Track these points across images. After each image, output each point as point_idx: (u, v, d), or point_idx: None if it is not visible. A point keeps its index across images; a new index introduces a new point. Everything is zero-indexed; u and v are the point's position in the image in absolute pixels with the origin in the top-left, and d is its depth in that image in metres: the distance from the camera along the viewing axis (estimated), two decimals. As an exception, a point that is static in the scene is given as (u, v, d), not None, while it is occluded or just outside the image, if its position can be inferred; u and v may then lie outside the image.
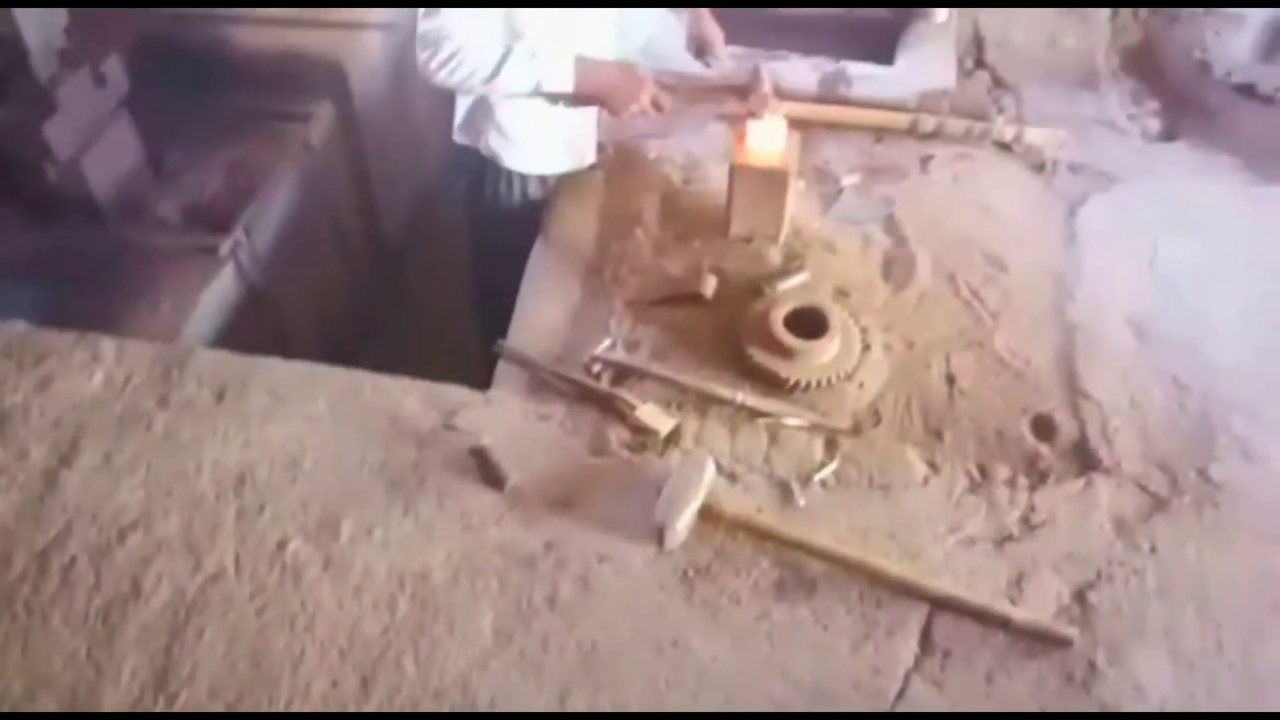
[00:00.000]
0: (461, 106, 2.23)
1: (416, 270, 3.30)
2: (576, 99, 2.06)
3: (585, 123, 2.26)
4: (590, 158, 2.31)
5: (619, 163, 2.35)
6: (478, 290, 2.51)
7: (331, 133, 2.85)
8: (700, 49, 2.29)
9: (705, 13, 2.32)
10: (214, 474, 1.70)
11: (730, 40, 2.50)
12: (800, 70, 2.50)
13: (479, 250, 2.44)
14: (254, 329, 2.46)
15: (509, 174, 2.26)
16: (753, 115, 2.06)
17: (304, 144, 2.71)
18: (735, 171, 2.01)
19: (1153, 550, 1.59)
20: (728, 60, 2.32)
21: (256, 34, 2.84)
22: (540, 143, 2.22)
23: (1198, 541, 1.60)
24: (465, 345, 2.34)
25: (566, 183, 2.30)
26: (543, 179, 2.28)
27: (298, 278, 2.67)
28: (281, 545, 1.61)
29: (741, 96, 2.19)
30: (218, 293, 2.36)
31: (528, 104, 2.10)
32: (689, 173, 2.32)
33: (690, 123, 2.45)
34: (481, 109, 2.19)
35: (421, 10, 1.93)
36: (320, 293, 2.83)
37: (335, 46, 2.84)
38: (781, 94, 2.40)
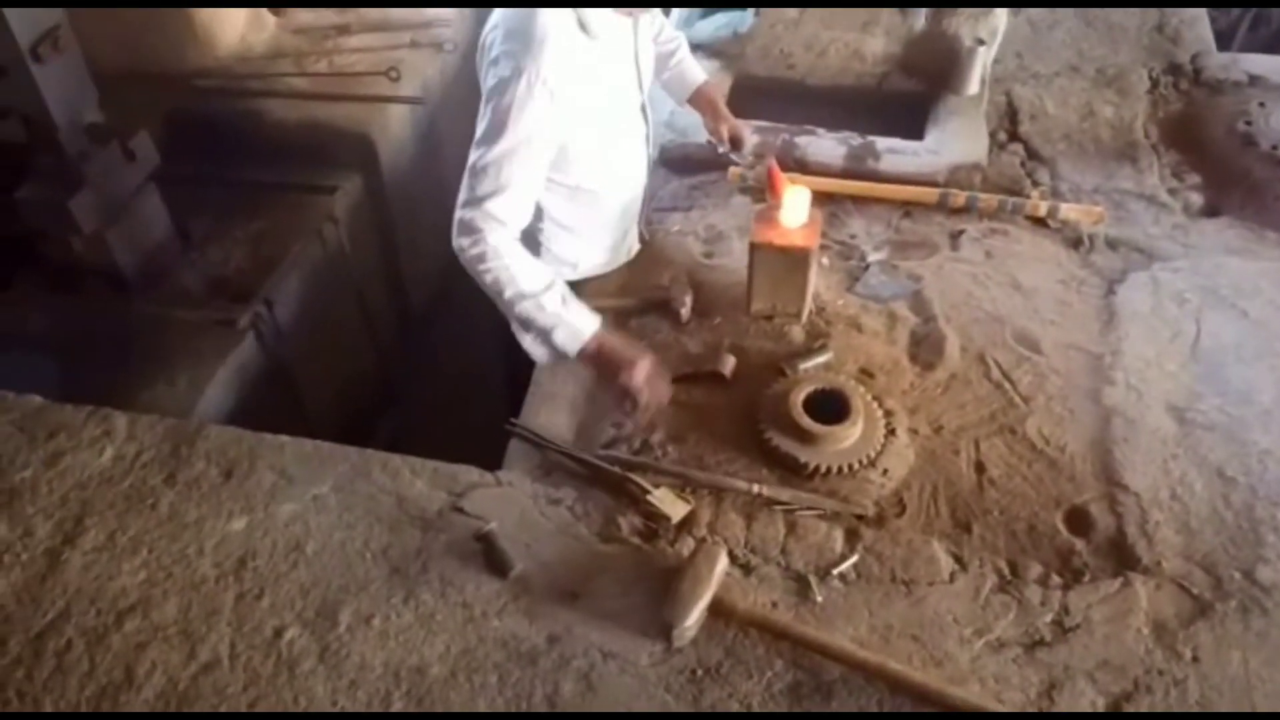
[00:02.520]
0: None
1: (442, 340, 3.33)
2: (582, 359, 1.89)
3: (631, 223, 2.19)
4: (634, 249, 2.26)
5: (641, 240, 2.35)
6: (502, 362, 2.48)
7: (358, 204, 2.89)
8: (729, 141, 2.26)
9: (725, 111, 2.28)
10: (216, 556, 1.68)
11: (756, 114, 2.53)
12: (827, 145, 2.51)
13: (503, 321, 2.41)
14: (273, 401, 2.47)
15: None
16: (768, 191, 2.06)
17: (329, 216, 2.74)
18: (756, 249, 1.99)
19: (1195, 659, 1.51)
20: (749, 155, 2.31)
21: (285, 107, 2.90)
22: (585, 258, 2.15)
23: (1243, 650, 1.51)
24: (488, 418, 2.29)
25: None
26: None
27: (319, 349, 2.69)
28: (278, 633, 1.58)
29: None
30: (236, 365, 2.37)
31: (572, 218, 2.04)
32: (711, 246, 2.32)
33: (713, 194, 2.45)
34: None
35: (468, 169, 1.76)
36: (342, 364, 2.85)
37: (363, 119, 2.89)
38: (807, 169, 2.45)
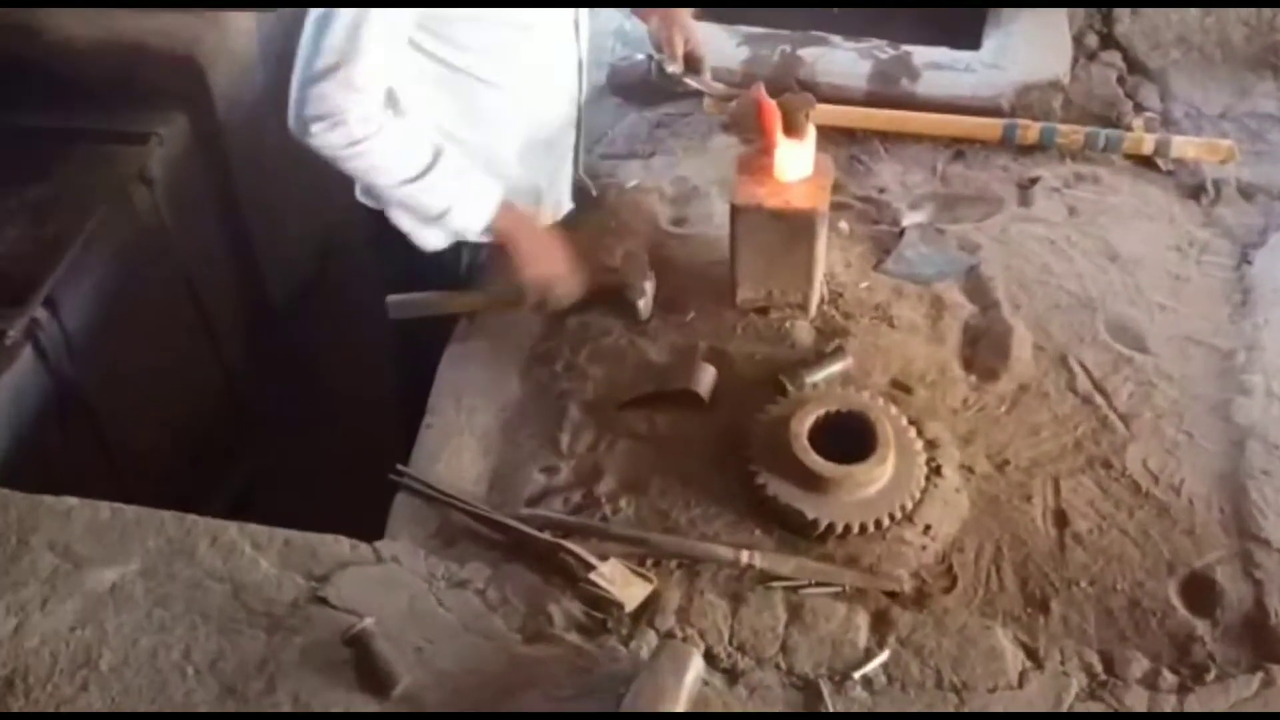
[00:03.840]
0: None
1: (314, 348, 3.31)
2: (496, 235, 2.09)
3: (561, 164, 2.24)
4: (564, 207, 2.29)
5: (581, 194, 2.36)
6: (395, 381, 2.52)
7: (184, 158, 2.85)
8: (681, 58, 2.25)
9: (682, 14, 2.29)
10: (-34, 678, 1.66)
11: (750, 20, 2.55)
12: (844, 59, 2.51)
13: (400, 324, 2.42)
14: (62, 446, 2.43)
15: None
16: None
17: (140, 175, 2.71)
18: (740, 213, 1.99)
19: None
20: (713, 81, 2.32)
21: (74, 21, 2.84)
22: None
23: None
24: (373, 459, 2.30)
25: None
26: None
27: (131, 368, 2.66)
28: (58, 790, 1.55)
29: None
30: (6, 394, 2.33)
31: (467, 129, 2.09)
32: (682, 209, 2.31)
33: (685, 133, 2.46)
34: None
35: (307, 31, 1.88)
36: (167, 388, 2.81)
37: (188, 35, 2.85)
38: (817, 95, 2.41)
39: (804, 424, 1.82)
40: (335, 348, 3.20)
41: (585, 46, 2.17)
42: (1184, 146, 2.35)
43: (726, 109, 2.35)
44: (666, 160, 2.41)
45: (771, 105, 2.07)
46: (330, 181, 2.21)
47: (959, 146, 2.38)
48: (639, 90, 2.54)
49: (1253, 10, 2.66)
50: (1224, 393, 1.97)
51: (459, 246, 2.22)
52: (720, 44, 2.61)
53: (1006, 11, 2.61)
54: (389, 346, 2.51)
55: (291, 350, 3.30)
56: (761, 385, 1.96)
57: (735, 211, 1.99)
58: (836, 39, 2.55)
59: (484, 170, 2.08)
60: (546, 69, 2.10)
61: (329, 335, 3.28)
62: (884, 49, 2.52)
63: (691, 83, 2.27)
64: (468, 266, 2.26)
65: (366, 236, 2.31)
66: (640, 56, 2.56)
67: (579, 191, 2.33)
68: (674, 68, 2.23)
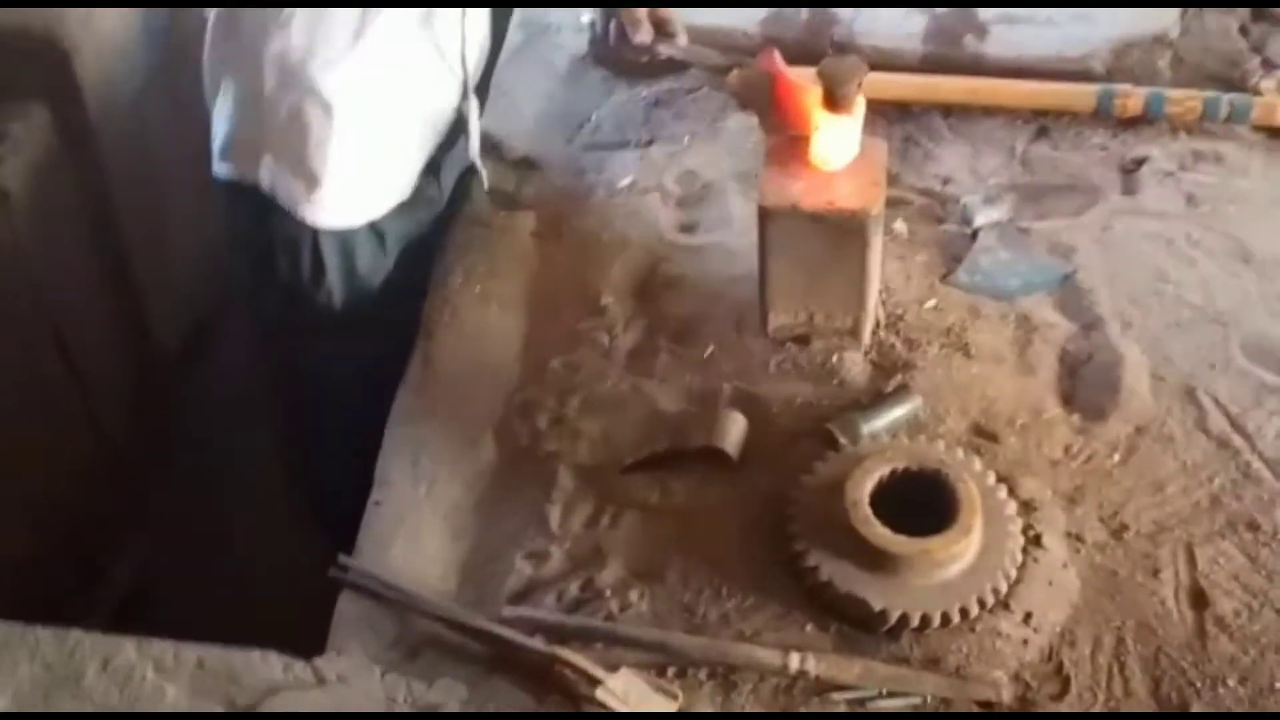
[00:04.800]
0: (227, 104, 2.25)
1: (216, 406, 3.30)
2: None
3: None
4: (404, 182, 2.33)
5: (560, 198, 2.38)
6: (300, 455, 2.57)
7: (45, 167, 2.84)
8: (646, 24, 2.27)
9: None
10: None
11: None
12: (891, 15, 2.53)
13: (287, 383, 2.54)
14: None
15: (317, 236, 2.28)
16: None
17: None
18: (771, 218, 1.99)
19: None
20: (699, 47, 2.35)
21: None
22: (381, 149, 2.26)
23: None
24: (304, 544, 2.35)
25: (458, 244, 2.33)
26: (379, 235, 2.34)
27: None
28: None
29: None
30: None
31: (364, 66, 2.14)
32: (690, 213, 2.34)
33: (690, 113, 2.47)
34: (278, 90, 2.18)
35: None
36: (29, 465, 2.79)
37: (47, 12, 2.84)
38: (861, 56, 2.44)
39: (864, 487, 1.81)
40: (243, 404, 3.17)
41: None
42: (1333, 111, 2.36)
43: (729, 82, 2.30)
44: (669, 150, 2.43)
45: (792, 81, 2.06)
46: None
47: (1042, 121, 2.39)
48: (626, 61, 2.51)
49: None
50: (1404, 433, 1.97)
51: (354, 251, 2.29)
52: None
53: None
54: (308, 396, 2.53)
55: (188, 410, 3.28)
56: (806, 438, 1.95)
57: (765, 215, 1.98)
58: None
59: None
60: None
61: (235, 389, 3.24)
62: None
63: (666, 51, 2.28)
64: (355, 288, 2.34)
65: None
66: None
67: (466, 179, 2.40)
68: (641, 35, 2.23)
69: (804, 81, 2.02)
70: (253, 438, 3.11)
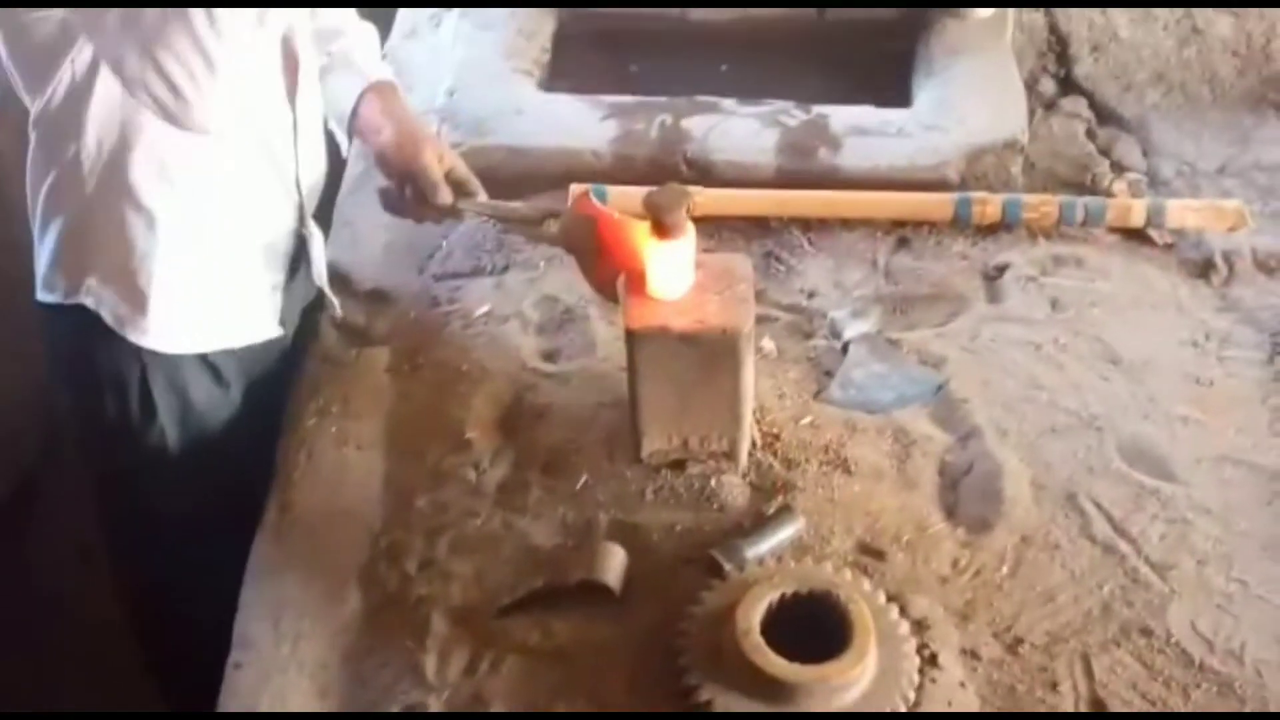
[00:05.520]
0: (53, 211, 2.16)
1: (48, 573, 3.20)
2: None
3: (279, 239, 2.27)
4: (270, 326, 2.30)
5: (414, 330, 2.37)
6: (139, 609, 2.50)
7: None
8: (441, 186, 2.21)
9: (421, 127, 2.32)
10: None
11: (602, 78, 2.61)
12: (744, 130, 2.54)
13: (120, 530, 2.45)
14: None
15: (145, 367, 2.20)
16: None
17: None
18: (639, 340, 1.96)
19: None
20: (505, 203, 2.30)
21: None
22: (222, 272, 2.20)
23: None
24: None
25: (309, 382, 2.31)
26: (213, 368, 2.26)
27: None
28: None
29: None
30: None
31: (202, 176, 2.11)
32: (551, 340, 2.33)
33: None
34: (101, 203, 2.11)
35: None
36: None
37: None
38: (715, 175, 2.49)
39: (754, 614, 1.77)
40: (80, 567, 3.08)
41: (306, 114, 2.21)
42: (1182, 213, 2.39)
43: (544, 234, 2.25)
44: (525, 276, 2.40)
45: (616, 219, 2.05)
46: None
47: (902, 232, 2.41)
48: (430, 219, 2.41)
49: (1239, 30, 2.76)
50: (1278, 524, 1.99)
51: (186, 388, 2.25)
52: (579, 120, 2.62)
53: (940, 56, 2.66)
54: (144, 543, 2.44)
55: (13, 578, 3.16)
56: (688, 566, 1.92)
57: (633, 338, 1.96)
58: (729, 103, 2.56)
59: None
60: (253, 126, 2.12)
61: (67, 552, 3.16)
62: (791, 112, 2.53)
63: (470, 211, 2.25)
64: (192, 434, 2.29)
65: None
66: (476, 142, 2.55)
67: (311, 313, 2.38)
68: (443, 196, 2.18)
69: (627, 218, 2.02)
70: (84, 605, 3.04)
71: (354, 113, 2.28)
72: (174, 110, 1.91)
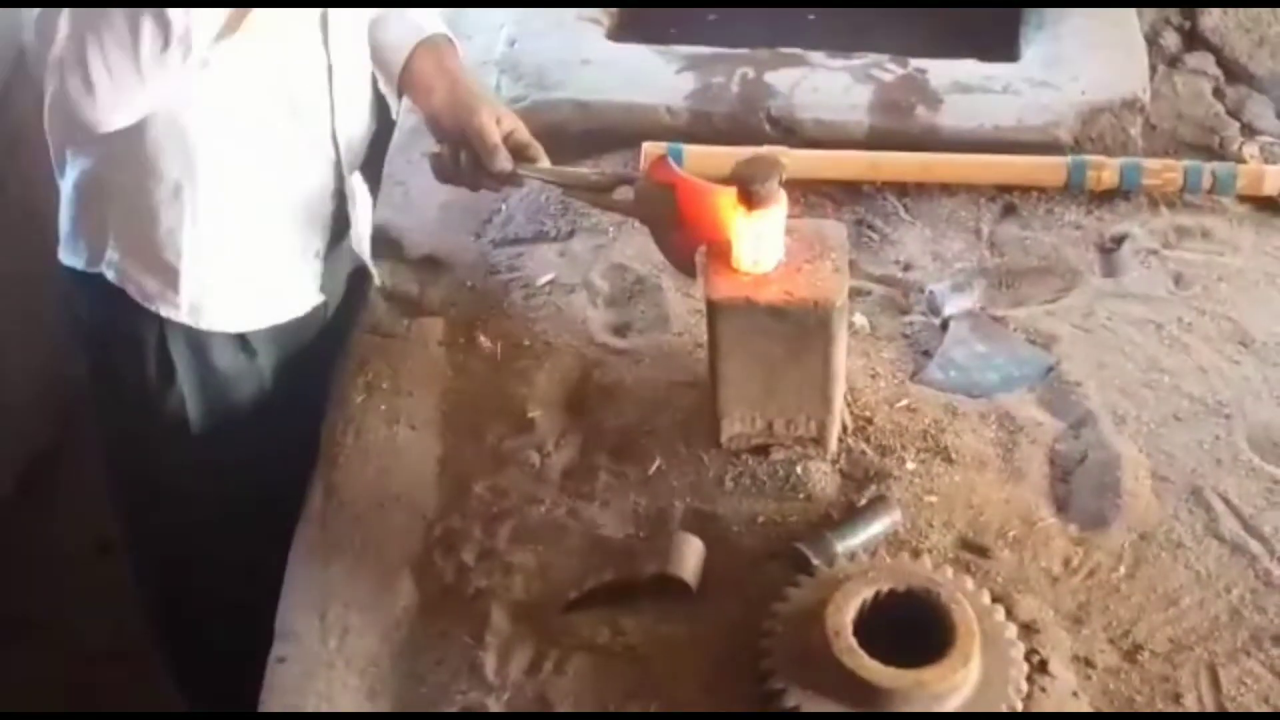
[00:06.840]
0: (72, 178, 2.15)
1: (54, 557, 3.25)
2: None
3: (318, 216, 2.24)
4: (311, 296, 2.28)
5: (471, 301, 2.35)
6: (159, 621, 2.53)
7: None
8: (500, 150, 2.17)
9: (482, 90, 2.30)
10: None
11: (666, 29, 2.60)
12: (832, 85, 2.53)
13: (140, 535, 2.45)
14: None
15: (177, 337, 2.19)
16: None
17: None
18: (721, 313, 1.91)
19: None
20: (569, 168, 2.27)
21: None
22: (254, 240, 2.18)
23: None
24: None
25: (356, 356, 2.27)
26: (239, 335, 2.24)
27: None
28: None
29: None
30: None
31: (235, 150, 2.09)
32: (622, 313, 2.31)
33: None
34: (127, 164, 2.10)
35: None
36: None
37: None
38: (802, 134, 2.49)
39: (846, 614, 1.71)
40: (86, 554, 3.13)
41: (344, 61, 2.16)
42: (1319, 181, 2.38)
43: (616, 203, 2.23)
44: (592, 242, 2.37)
45: (699, 186, 1.99)
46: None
47: (1008, 198, 2.38)
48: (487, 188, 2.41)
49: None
50: None
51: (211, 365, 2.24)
52: (652, 73, 2.60)
53: (1051, 11, 2.63)
54: (166, 524, 2.41)
55: (17, 563, 3.17)
56: (772, 560, 1.88)
57: (715, 311, 1.91)
58: (818, 55, 2.53)
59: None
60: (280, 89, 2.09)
61: (76, 536, 3.20)
62: (886, 66, 2.50)
63: (532, 178, 2.19)
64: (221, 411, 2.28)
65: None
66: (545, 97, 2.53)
67: (356, 279, 2.37)
68: (501, 162, 2.13)
69: (710, 185, 1.98)
70: (90, 594, 3.09)
71: (405, 68, 2.23)
72: (78, 102, 1.92)
